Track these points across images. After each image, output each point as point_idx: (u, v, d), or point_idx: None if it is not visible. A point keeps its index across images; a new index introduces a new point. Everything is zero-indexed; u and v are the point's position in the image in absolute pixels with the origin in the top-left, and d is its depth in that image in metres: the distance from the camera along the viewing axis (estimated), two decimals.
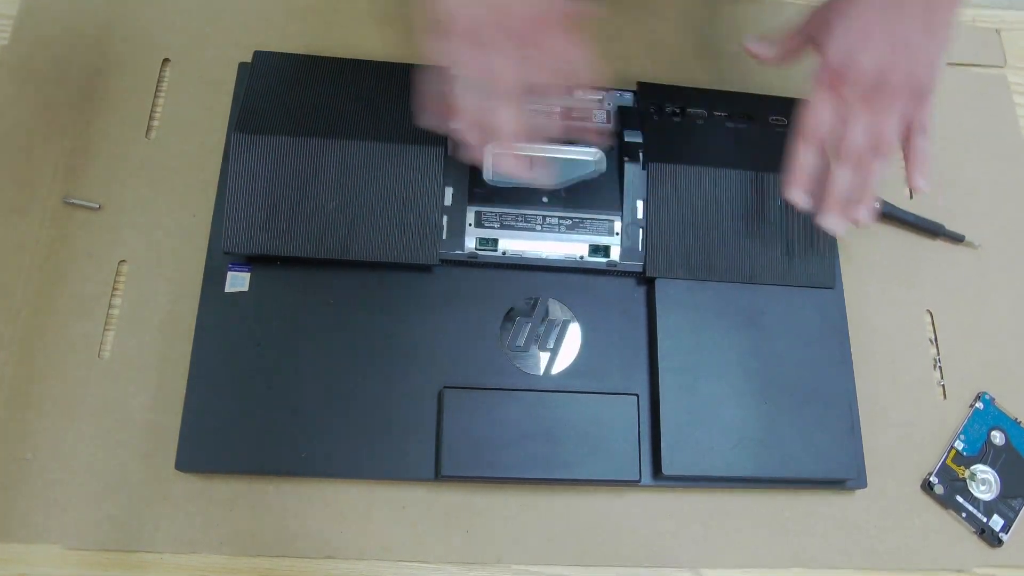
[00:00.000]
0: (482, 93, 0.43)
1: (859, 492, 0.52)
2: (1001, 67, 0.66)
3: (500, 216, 0.52)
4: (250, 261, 0.50)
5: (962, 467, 0.53)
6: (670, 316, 0.51)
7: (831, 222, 0.48)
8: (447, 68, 0.43)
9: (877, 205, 0.51)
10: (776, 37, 0.52)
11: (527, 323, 0.51)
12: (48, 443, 0.47)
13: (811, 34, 0.50)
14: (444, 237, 0.51)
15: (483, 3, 0.42)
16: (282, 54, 0.53)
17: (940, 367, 0.56)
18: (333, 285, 0.50)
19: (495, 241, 0.51)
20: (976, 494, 0.52)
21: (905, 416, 0.54)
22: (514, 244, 0.51)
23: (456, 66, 0.43)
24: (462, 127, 0.45)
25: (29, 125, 0.54)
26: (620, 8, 0.64)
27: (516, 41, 0.42)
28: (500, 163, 0.46)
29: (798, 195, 0.48)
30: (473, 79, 0.43)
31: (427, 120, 0.46)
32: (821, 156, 0.48)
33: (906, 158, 0.49)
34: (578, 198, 0.53)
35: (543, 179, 0.48)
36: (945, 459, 0.53)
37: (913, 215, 0.59)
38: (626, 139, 0.54)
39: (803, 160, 0.48)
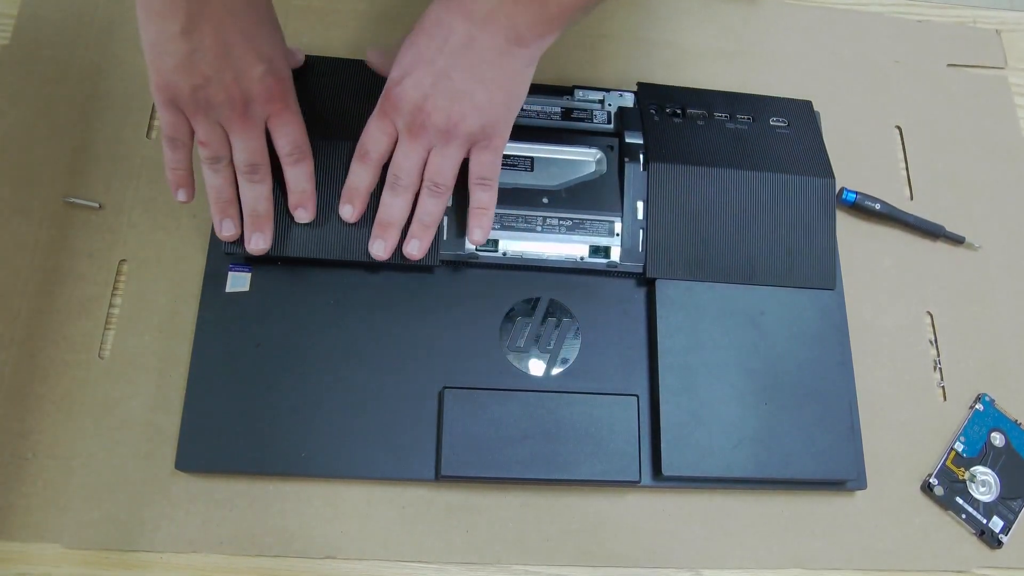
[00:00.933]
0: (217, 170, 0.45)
1: (859, 493, 0.52)
2: (1002, 68, 0.66)
3: (500, 217, 0.52)
4: (250, 261, 0.50)
5: (962, 468, 0.53)
6: (670, 317, 0.51)
7: (373, 246, 0.48)
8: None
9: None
10: (391, 48, 0.49)
11: (527, 323, 0.51)
12: (48, 443, 0.47)
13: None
14: (444, 238, 0.51)
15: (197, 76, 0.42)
16: None
17: (940, 368, 0.56)
18: (333, 285, 0.50)
19: (495, 242, 0.51)
20: (976, 495, 0.52)
21: (905, 417, 0.54)
22: (514, 245, 0.51)
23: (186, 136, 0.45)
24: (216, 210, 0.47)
25: (29, 125, 0.54)
26: (620, 8, 0.64)
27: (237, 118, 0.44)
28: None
29: (345, 210, 0.48)
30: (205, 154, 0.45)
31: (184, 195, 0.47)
32: (373, 177, 0.47)
33: (468, 208, 0.48)
34: (578, 199, 0.53)
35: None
36: (945, 460, 0.53)
37: (913, 216, 0.59)
38: (626, 140, 0.54)
39: (354, 178, 0.47)
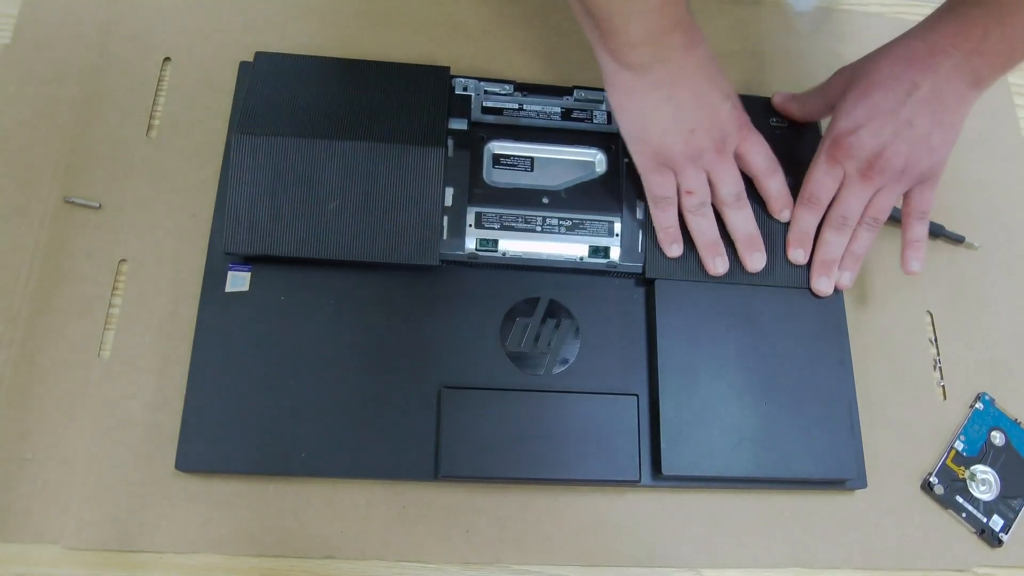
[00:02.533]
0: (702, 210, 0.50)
1: (859, 492, 0.52)
2: (1004, 75, 0.66)
3: (500, 217, 0.52)
4: (250, 261, 0.50)
5: (962, 467, 0.53)
6: (670, 317, 0.51)
7: (819, 284, 0.52)
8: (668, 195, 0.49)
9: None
10: (803, 96, 0.55)
11: (527, 323, 0.51)
12: (48, 443, 0.47)
13: (830, 100, 0.51)
14: (444, 238, 0.51)
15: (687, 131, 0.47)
16: (283, 55, 0.53)
17: (940, 367, 0.56)
18: (333, 285, 0.50)
19: (495, 242, 0.51)
20: (976, 494, 0.52)
21: (905, 416, 0.54)
22: (514, 245, 0.51)
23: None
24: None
25: (29, 125, 0.54)
26: None
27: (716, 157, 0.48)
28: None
29: (797, 254, 0.52)
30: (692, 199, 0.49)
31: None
32: (819, 219, 0.51)
33: (903, 240, 0.52)
34: (578, 199, 0.53)
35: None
36: (945, 459, 0.53)
37: None
38: None
39: (804, 224, 0.51)
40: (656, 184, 0.49)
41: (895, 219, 0.59)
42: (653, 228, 0.52)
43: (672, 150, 0.47)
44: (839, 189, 0.50)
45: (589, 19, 0.44)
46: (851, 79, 0.50)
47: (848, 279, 0.52)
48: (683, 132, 0.46)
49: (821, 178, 0.50)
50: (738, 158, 0.50)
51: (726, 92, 0.48)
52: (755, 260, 0.51)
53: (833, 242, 0.51)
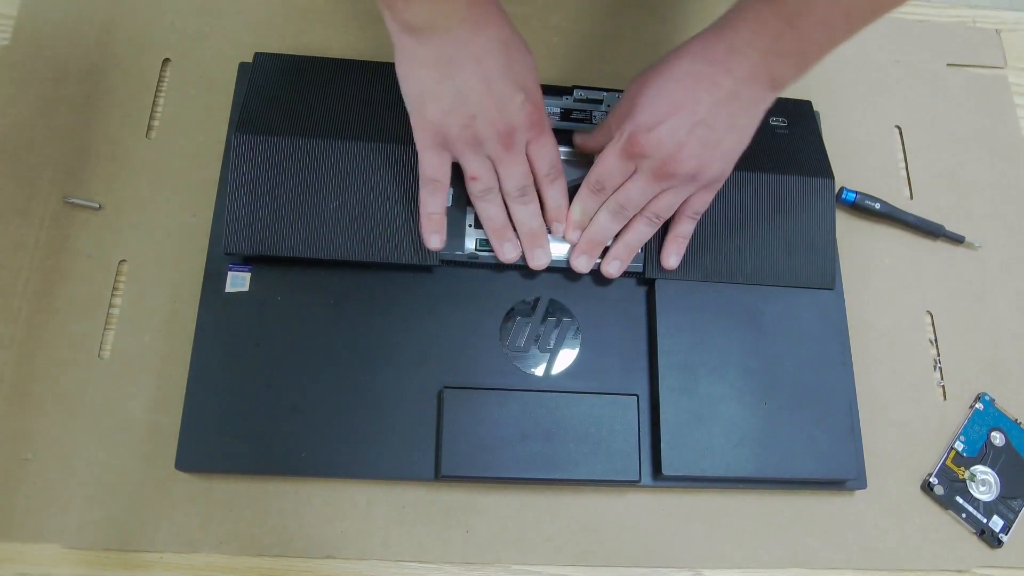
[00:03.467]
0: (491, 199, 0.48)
1: (859, 493, 0.52)
2: (1001, 67, 0.66)
3: None
4: (250, 261, 0.50)
5: (962, 468, 0.53)
6: (670, 316, 0.51)
7: (578, 261, 0.50)
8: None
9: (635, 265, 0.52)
10: (599, 125, 0.51)
11: (527, 323, 0.51)
12: (48, 443, 0.47)
13: (624, 112, 0.48)
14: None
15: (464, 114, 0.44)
16: (283, 55, 0.53)
17: (940, 368, 0.56)
18: (333, 285, 0.50)
19: None
20: (976, 495, 0.52)
21: (905, 417, 0.54)
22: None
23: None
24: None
25: (29, 125, 0.54)
26: (620, 8, 0.64)
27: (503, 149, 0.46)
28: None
29: (573, 235, 0.50)
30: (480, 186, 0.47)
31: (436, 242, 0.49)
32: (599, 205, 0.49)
33: (668, 234, 0.51)
34: None
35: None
36: (945, 460, 0.53)
37: (913, 216, 0.59)
38: None
39: (584, 207, 0.49)
40: (428, 164, 0.46)
41: (890, 216, 0.59)
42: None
43: (450, 133, 0.44)
44: (626, 181, 0.48)
45: None
46: (648, 80, 0.46)
47: (615, 268, 0.50)
48: (463, 116, 0.44)
49: (612, 169, 0.47)
50: (528, 156, 0.48)
51: (521, 84, 0.44)
52: (537, 256, 0.50)
53: (604, 225, 0.49)
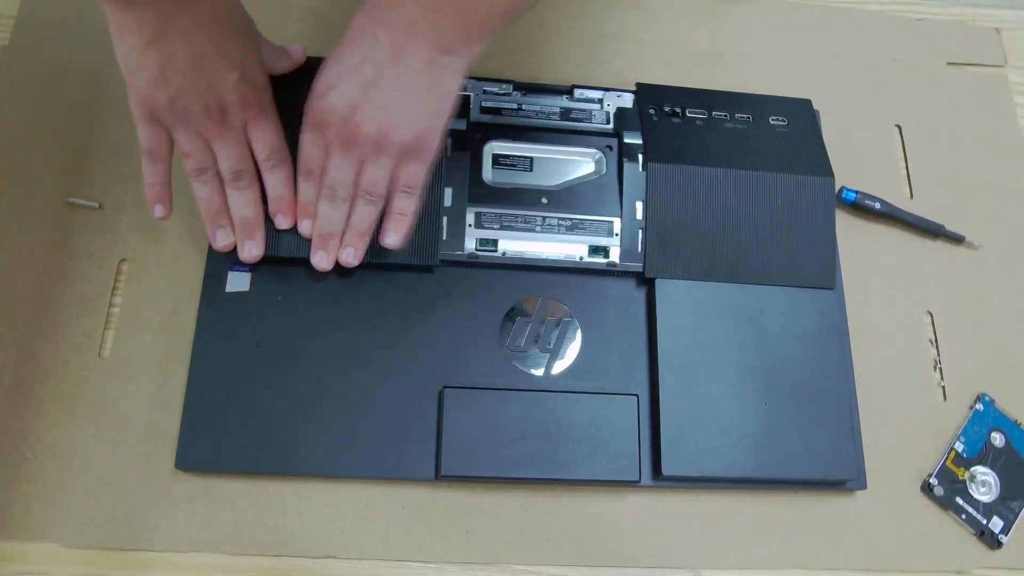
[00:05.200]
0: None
1: (859, 493, 0.52)
2: (1001, 67, 0.66)
3: (500, 217, 0.52)
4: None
5: (962, 469, 0.53)
6: (670, 316, 0.51)
7: (316, 258, 0.47)
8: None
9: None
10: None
11: (527, 323, 0.51)
12: (48, 443, 0.47)
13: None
14: (444, 238, 0.51)
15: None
16: None
17: (940, 368, 0.56)
18: (333, 285, 0.50)
19: (495, 242, 0.51)
20: (976, 496, 0.52)
21: (905, 417, 0.54)
22: (514, 245, 0.52)
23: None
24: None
25: (29, 125, 0.54)
26: (620, 8, 0.64)
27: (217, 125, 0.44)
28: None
29: (304, 226, 0.48)
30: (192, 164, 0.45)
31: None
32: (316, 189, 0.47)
33: (386, 211, 0.47)
34: (577, 199, 0.53)
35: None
36: (945, 460, 0.53)
37: (913, 216, 0.59)
38: (625, 140, 0.54)
39: (304, 196, 0.47)
40: (142, 135, 0.45)
41: (890, 216, 0.59)
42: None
43: (157, 104, 0.43)
44: (326, 159, 0.46)
45: None
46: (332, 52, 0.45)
47: (351, 255, 0.47)
48: (169, 89, 0.43)
49: (307, 147, 0.46)
50: (249, 141, 0.46)
51: (237, 63, 0.44)
52: (248, 248, 0.47)
53: (326, 214, 0.47)
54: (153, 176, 0.46)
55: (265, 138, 0.46)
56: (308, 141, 0.46)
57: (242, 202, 0.47)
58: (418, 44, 0.41)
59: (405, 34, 0.41)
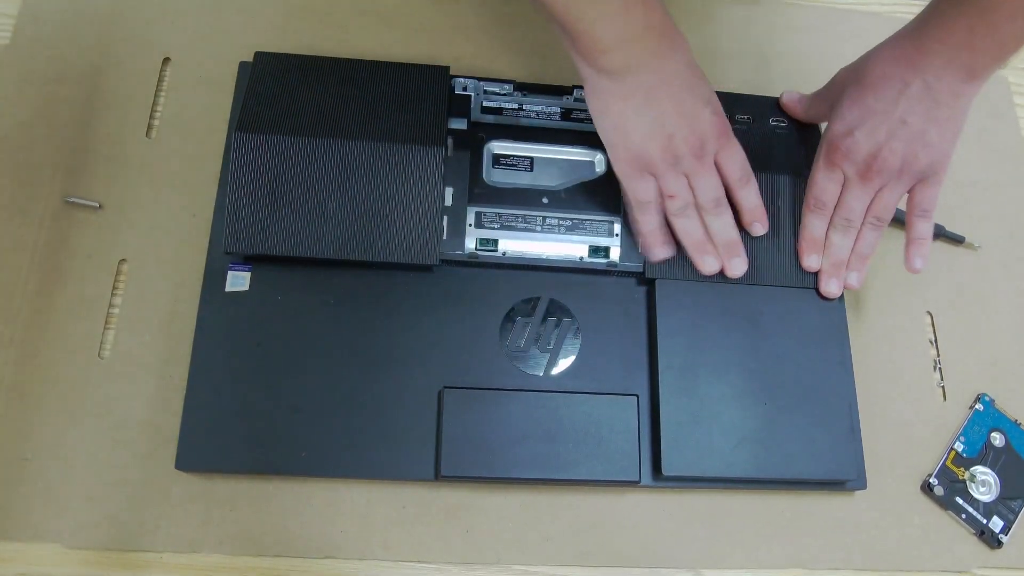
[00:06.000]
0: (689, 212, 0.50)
1: (859, 493, 0.52)
2: (1001, 68, 0.66)
3: (500, 217, 0.52)
4: (250, 261, 0.50)
5: (962, 468, 0.53)
6: (670, 316, 0.51)
7: (828, 286, 0.52)
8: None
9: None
10: (808, 99, 0.55)
11: (527, 323, 0.51)
12: (48, 443, 0.47)
13: (831, 102, 0.51)
14: (444, 237, 0.51)
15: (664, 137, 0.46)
16: (282, 54, 0.53)
17: (940, 368, 0.56)
18: (333, 285, 0.50)
19: (495, 241, 0.51)
20: (976, 495, 0.52)
21: (905, 417, 0.54)
22: (514, 245, 0.52)
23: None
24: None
25: (29, 125, 0.54)
26: None
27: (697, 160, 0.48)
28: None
29: (811, 260, 0.52)
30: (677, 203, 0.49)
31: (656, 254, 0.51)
32: (826, 223, 0.51)
33: (907, 238, 0.52)
34: (578, 199, 0.53)
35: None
36: (945, 460, 0.53)
37: None
38: None
39: (813, 230, 0.51)
40: (639, 189, 0.49)
41: (897, 220, 0.59)
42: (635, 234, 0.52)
43: (652, 156, 0.47)
44: (841, 192, 0.51)
45: (557, 24, 0.44)
46: (846, 81, 0.50)
47: (856, 279, 0.52)
48: (662, 138, 0.46)
49: (822, 182, 0.51)
50: (716, 166, 0.49)
51: (706, 99, 0.47)
52: (735, 266, 0.51)
53: (838, 244, 0.51)
54: (652, 224, 0.50)
55: (736, 160, 0.50)
56: (824, 177, 0.51)
57: (723, 225, 0.50)
58: (948, 82, 0.46)
59: (936, 75, 0.46)
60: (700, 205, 0.49)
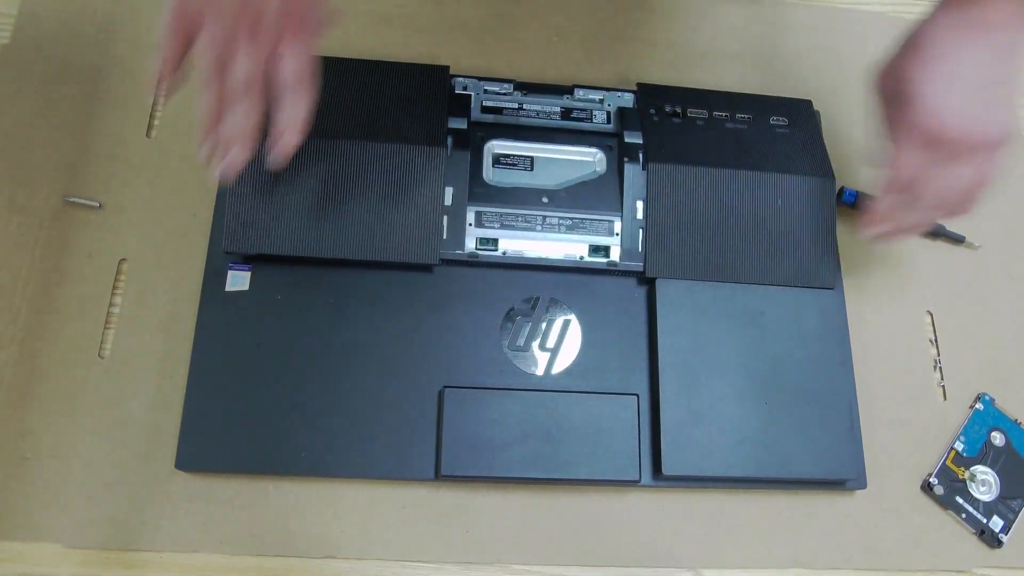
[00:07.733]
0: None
1: (859, 493, 0.52)
2: None
3: (500, 216, 0.52)
4: (250, 260, 0.50)
5: (962, 468, 0.53)
6: (670, 316, 0.51)
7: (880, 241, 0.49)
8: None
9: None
10: (882, 154, 0.50)
11: (527, 323, 0.51)
12: (48, 443, 0.47)
13: (892, 92, 0.47)
14: (444, 237, 0.51)
15: None
16: None
17: (940, 368, 0.56)
18: (333, 285, 0.50)
19: (495, 241, 0.51)
20: (976, 495, 0.52)
21: (905, 417, 0.54)
22: (514, 244, 0.52)
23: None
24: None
25: (29, 125, 0.54)
26: (620, 8, 0.64)
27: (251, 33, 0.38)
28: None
29: (871, 232, 0.49)
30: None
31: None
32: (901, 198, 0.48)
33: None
34: (578, 198, 0.53)
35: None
36: (945, 460, 0.53)
37: None
38: (626, 140, 0.54)
39: (884, 206, 0.48)
40: (169, 21, 0.39)
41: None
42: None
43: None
44: (925, 172, 0.46)
45: None
46: (906, 72, 0.45)
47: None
48: None
49: (914, 166, 0.46)
50: (276, 58, 0.39)
51: None
52: (233, 154, 0.40)
53: (909, 214, 0.48)
54: (169, 51, 0.39)
55: (293, 63, 0.40)
56: (905, 154, 0.46)
57: (244, 113, 0.40)
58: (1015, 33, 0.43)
59: (1008, 32, 0.43)
60: (232, 83, 0.39)
